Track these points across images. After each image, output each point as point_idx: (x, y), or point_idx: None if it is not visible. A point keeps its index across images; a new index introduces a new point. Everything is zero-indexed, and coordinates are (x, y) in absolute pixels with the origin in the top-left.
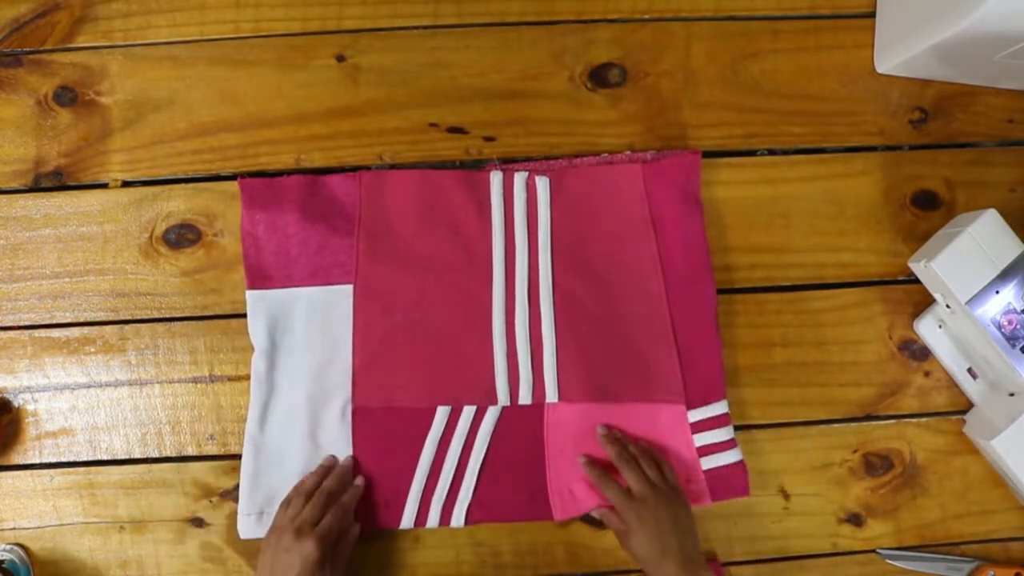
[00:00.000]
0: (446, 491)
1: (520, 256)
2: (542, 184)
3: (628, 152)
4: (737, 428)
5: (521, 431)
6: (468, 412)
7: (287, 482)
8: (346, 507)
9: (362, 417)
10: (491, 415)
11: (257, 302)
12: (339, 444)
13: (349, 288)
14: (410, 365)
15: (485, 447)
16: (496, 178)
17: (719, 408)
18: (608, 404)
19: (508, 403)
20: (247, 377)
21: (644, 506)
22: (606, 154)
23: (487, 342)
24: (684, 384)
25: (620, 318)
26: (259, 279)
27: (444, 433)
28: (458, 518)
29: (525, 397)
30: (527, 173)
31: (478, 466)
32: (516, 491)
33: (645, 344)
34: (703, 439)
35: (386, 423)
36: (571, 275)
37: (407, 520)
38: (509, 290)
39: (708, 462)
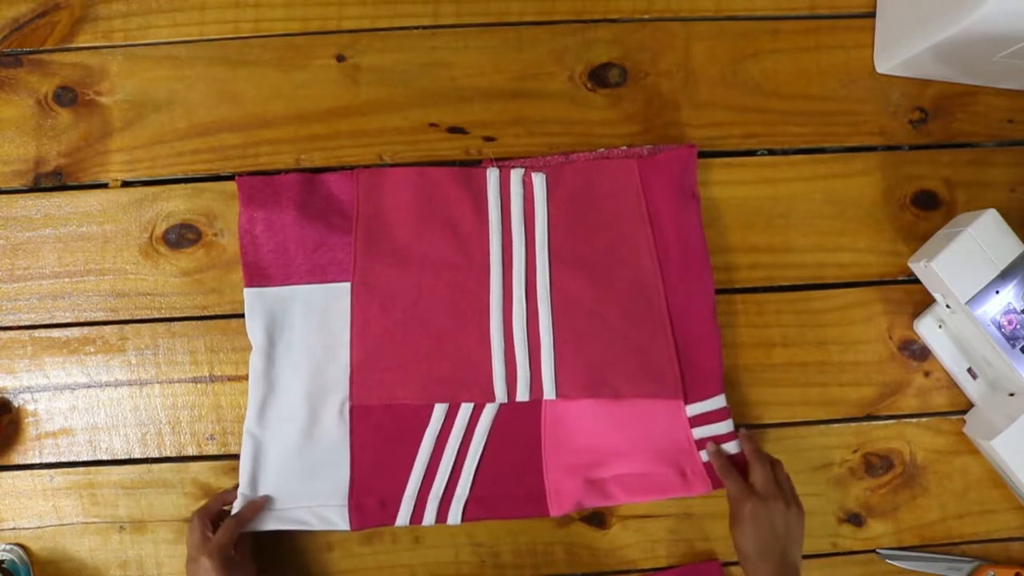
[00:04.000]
0: (443, 488)
1: (517, 252)
2: (538, 180)
3: (624, 147)
4: (737, 428)
5: (518, 428)
6: (465, 409)
7: (284, 479)
8: (206, 511)
9: (360, 414)
10: (488, 412)
11: (255, 300)
12: (337, 441)
13: (347, 286)
14: (408, 362)
15: (482, 444)
16: (492, 175)
17: (717, 402)
18: (606, 400)
19: (505, 400)
20: (247, 377)
21: (763, 503)
22: (603, 149)
23: (484, 339)
24: (682, 378)
25: (617, 313)
26: (257, 277)
27: (441, 430)
28: (455, 515)
29: (523, 394)
30: (523, 169)
31: (475, 463)
32: (513, 488)
33: (642, 339)
34: (701, 432)
35: (384, 420)
36: (568, 271)
37: (403, 517)
38: (506, 287)
39: (707, 455)
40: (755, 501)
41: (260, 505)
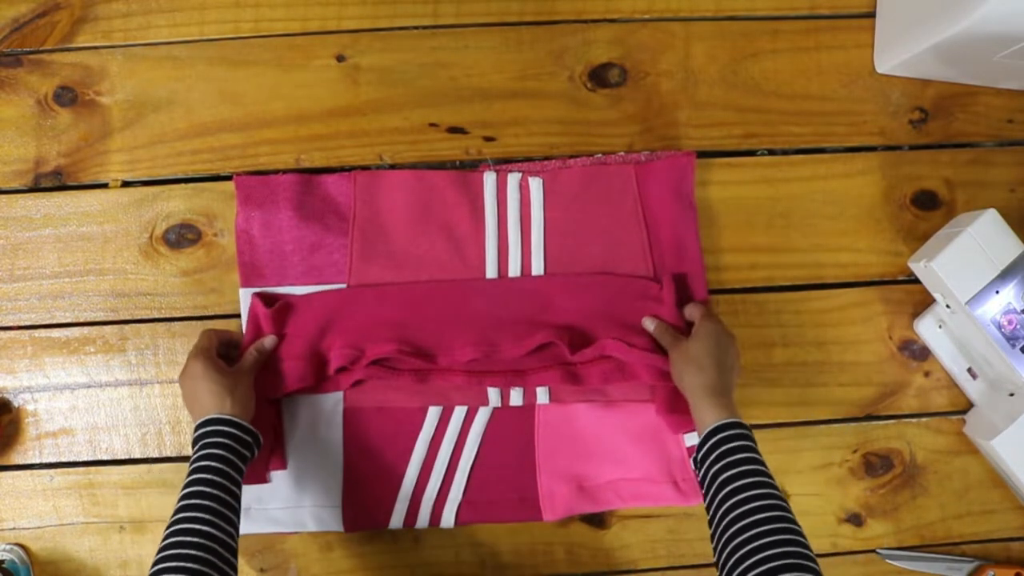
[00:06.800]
0: (436, 491)
1: (513, 257)
2: (535, 185)
3: (622, 153)
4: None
5: (512, 433)
6: (459, 413)
7: (276, 479)
8: (216, 332)
9: (353, 417)
10: (482, 416)
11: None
12: (330, 443)
13: (343, 288)
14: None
15: (476, 448)
16: (490, 179)
17: None
18: (599, 406)
19: (499, 404)
20: None
21: (721, 328)
22: (600, 155)
23: None
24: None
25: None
26: (253, 277)
27: (435, 434)
28: (448, 519)
29: (516, 399)
30: (520, 174)
31: (469, 467)
32: (506, 492)
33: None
34: (693, 438)
35: (377, 423)
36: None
37: (396, 520)
38: None
39: None
40: (703, 326)
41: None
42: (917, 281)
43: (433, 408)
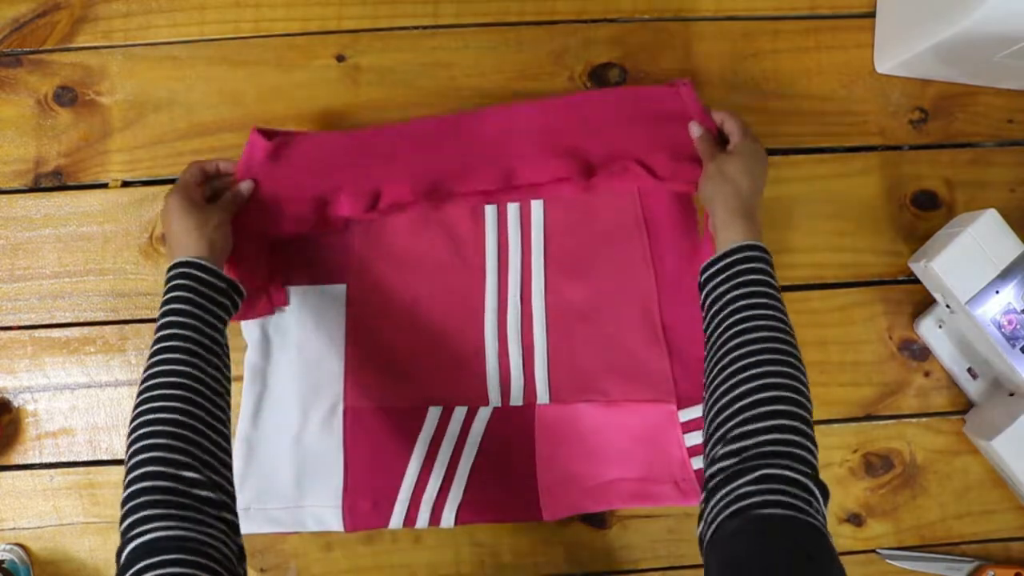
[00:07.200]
0: (436, 491)
1: (513, 257)
2: None
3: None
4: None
5: (512, 432)
6: (459, 413)
7: (276, 479)
8: (198, 164)
9: (353, 417)
10: (482, 416)
11: None
12: (330, 443)
13: (343, 288)
14: (402, 365)
15: (476, 448)
16: None
17: None
18: (599, 405)
19: (499, 404)
20: None
21: (758, 144)
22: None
23: (479, 343)
24: (675, 383)
25: (611, 318)
26: None
27: (435, 433)
28: (448, 519)
29: (516, 398)
30: None
31: (468, 467)
32: (506, 492)
33: (636, 344)
34: (694, 438)
35: (377, 423)
36: (563, 276)
37: (396, 520)
38: (501, 291)
39: (699, 461)
40: (744, 144)
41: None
42: (917, 281)
43: (433, 408)
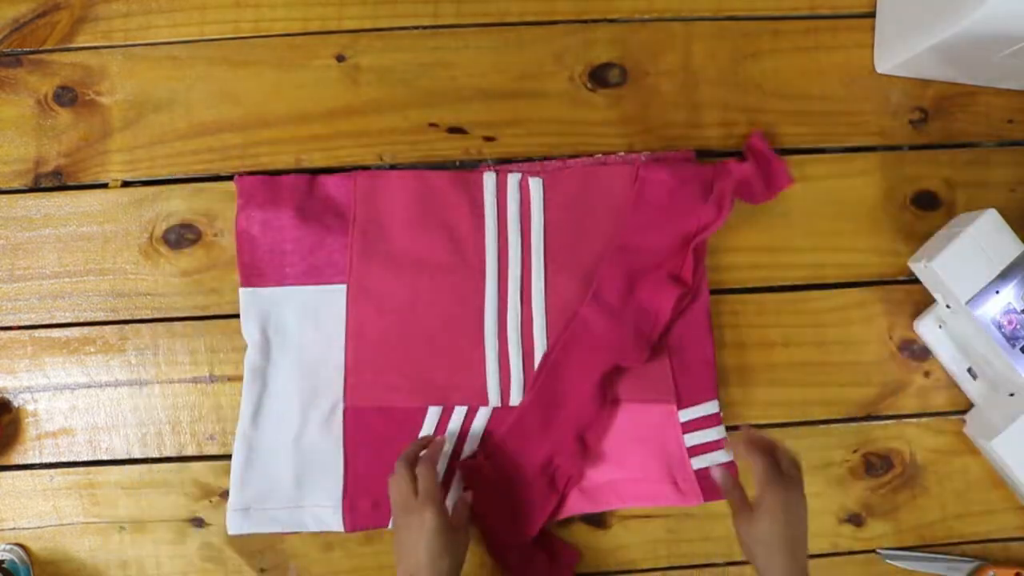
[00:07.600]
0: None
1: (513, 257)
2: (535, 185)
3: (622, 153)
4: (737, 428)
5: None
6: (459, 412)
7: (276, 479)
8: (430, 460)
9: (353, 416)
10: (482, 415)
11: (250, 300)
12: (330, 443)
13: (343, 288)
14: (402, 365)
15: (476, 448)
16: (490, 179)
17: (710, 408)
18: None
19: (499, 404)
20: None
21: (790, 491)
22: (600, 155)
23: (479, 343)
24: (675, 384)
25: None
26: (253, 277)
27: (435, 433)
28: None
29: (516, 398)
30: (520, 174)
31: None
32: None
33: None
34: (694, 439)
35: (377, 423)
36: (563, 276)
37: None
38: (502, 291)
39: (699, 462)
40: (783, 489)
41: (441, 443)
42: (917, 281)
43: (433, 408)
